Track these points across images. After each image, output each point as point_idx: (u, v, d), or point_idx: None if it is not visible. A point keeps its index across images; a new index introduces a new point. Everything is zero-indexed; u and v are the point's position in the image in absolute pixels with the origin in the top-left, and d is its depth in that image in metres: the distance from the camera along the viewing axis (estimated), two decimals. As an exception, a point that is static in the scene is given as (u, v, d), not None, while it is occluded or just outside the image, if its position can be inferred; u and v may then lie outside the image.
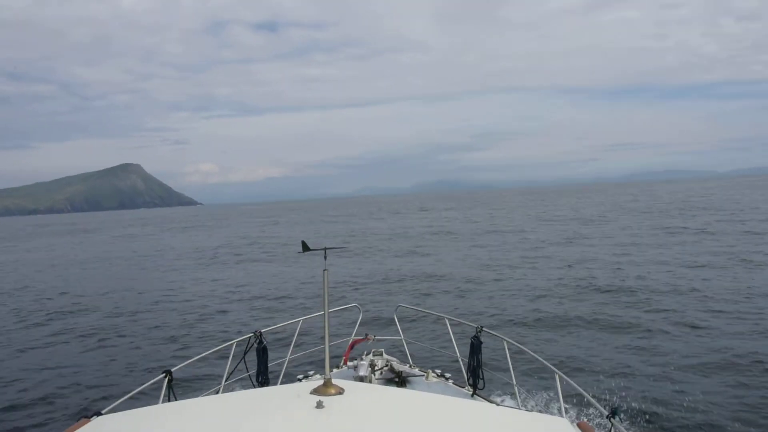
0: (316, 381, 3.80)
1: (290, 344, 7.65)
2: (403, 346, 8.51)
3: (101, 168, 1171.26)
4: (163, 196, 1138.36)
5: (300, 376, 7.32)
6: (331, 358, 3.87)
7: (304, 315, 8.19)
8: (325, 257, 4.01)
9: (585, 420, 4.43)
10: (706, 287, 20.28)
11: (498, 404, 5.14)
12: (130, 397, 4.99)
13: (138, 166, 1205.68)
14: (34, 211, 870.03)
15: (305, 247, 4.27)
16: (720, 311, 16.83)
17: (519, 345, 6.82)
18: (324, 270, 3.88)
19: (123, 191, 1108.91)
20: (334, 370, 7.36)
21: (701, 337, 14.37)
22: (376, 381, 7.21)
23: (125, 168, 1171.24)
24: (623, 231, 42.89)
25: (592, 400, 4.86)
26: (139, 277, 33.03)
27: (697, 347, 13.58)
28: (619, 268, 25.34)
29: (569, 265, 27.16)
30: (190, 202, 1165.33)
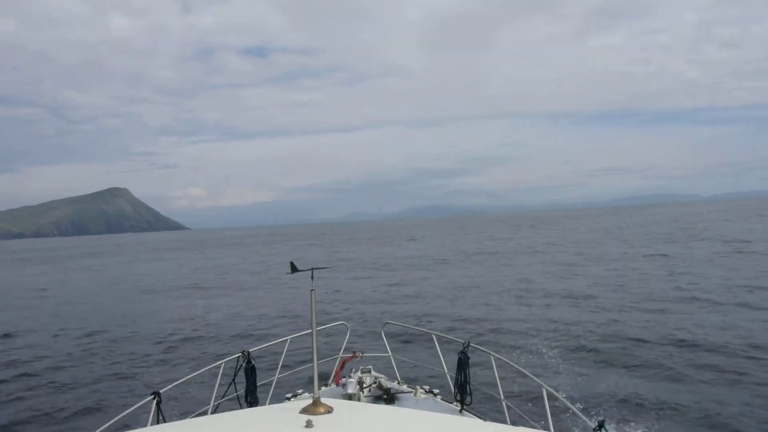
0: (305, 400, 3.81)
1: (278, 363, 7.61)
2: (391, 362, 8.52)
3: (88, 192, 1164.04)
4: (151, 221, 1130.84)
5: (289, 395, 7.29)
6: (319, 376, 3.90)
7: (292, 334, 8.16)
8: (312, 277, 4.01)
9: None
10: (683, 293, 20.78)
11: (485, 420, 5.17)
12: (118, 420, 4.97)
13: (126, 190, 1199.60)
14: (19, 235, 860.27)
15: (293, 268, 4.25)
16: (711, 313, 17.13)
17: (506, 360, 6.88)
18: (311, 290, 3.90)
19: (110, 215, 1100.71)
20: (323, 389, 7.34)
21: (687, 347, 14.72)
22: (365, 398, 7.21)
23: (113, 192, 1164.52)
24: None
25: (579, 413, 4.93)
26: (121, 301, 32.69)
27: (685, 356, 13.90)
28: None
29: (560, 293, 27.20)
30: (178, 227, 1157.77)
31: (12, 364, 18.03)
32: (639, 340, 15.99)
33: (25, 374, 16.56)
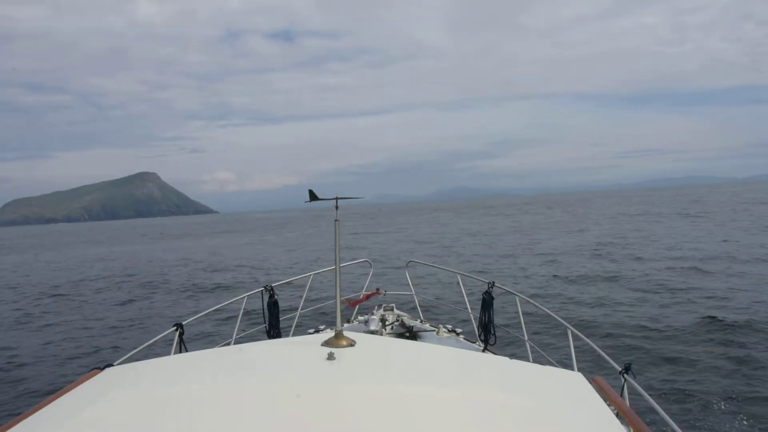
0: (328, 334, 3.72)
1: (301, 298, 7.56)
2: (414, 301, 8.40)
3: (118, 177, 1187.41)
4: (180, 205, 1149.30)
5: (311, 330, 7.23)
6: (342, 311, 3.78)
7: (316, 270, 8.05)
8: (336, 207, 3.80)
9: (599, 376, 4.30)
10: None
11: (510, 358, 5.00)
12: (141, 350, 4.93)
13: (155, 174, 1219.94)
14: (51, 220, 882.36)
15: (313, 196, 3.88)
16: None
17: (531, 300, 6.67)
18: (336, 220, 3.73)
19: (140, 200, 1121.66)
20: (345, 325, 7.27)
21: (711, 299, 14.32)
22: (387, 335, 7.10)
23: (142, 177, 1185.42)
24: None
25: (606, 356, 4.70)
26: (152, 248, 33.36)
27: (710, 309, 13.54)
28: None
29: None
30: (207, 210, 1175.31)
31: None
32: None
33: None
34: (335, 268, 3.88)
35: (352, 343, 3.55)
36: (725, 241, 29.37)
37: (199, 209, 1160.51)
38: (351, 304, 7.62)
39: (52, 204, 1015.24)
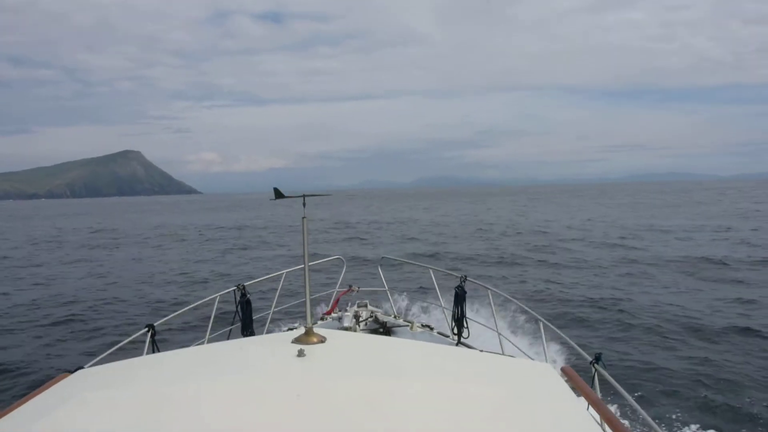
0: (299, 332, 3.72)
1: (274, 297, 7.53)
2: (388, 297, 8.43)
3: (102, 154, 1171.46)
4: (163, 184, 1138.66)
5: (284, 328, 7.23)
6: (314, 309, 3.78)
7: (287, 268, 8.06)
8: (304, 204, 3.79)
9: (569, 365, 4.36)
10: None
11: (482, 351, 5.06)
12: (112, 352, 4.87)
13: (139, 153, 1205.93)
14: (33, 196, 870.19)
15: (278, 194, 3.80)
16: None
17: (503, 293, 6.75)
18: (303, 218, 3.71)
19: (123, 178, 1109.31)
20: (319, 322, 7.28)
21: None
22: (361, 331, 7.14)
23: (126, 155, 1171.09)
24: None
25: (576, 347, 4.78)
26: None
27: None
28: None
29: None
30: (191, 191, 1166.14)
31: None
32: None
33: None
34: (304, 265, 3.88)
35: (322, 340, 3.57)
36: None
37: (183, 189, 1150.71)
38: (324, 313, 7.59)
39: (34, 180, 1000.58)
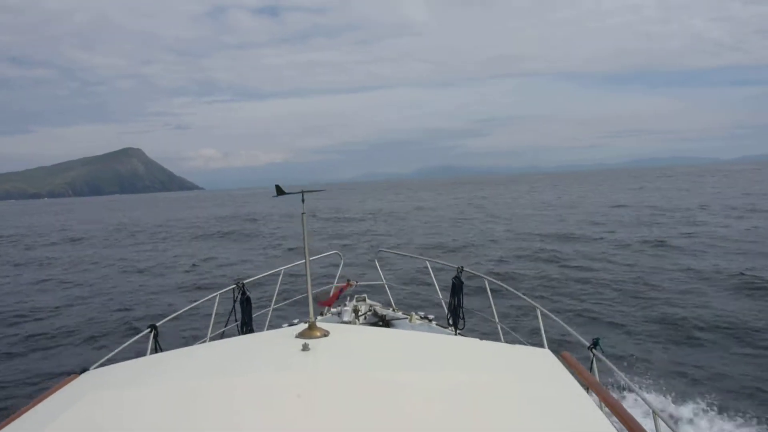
0: (302, 327, 3.77)
1: (273, 294, 7.59)
2: (386, 290, 8.49)
3: (102, 153, 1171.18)
4: (164, 181, 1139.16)
5: (285, 325, 7.28)
6: (314, 303, 3.84)
7: (286, 264, 8.07)
8: (303, 200, 3.84)
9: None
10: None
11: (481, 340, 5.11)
12: (116, 353, 4.90)
13: (139, 150, 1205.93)
14: (35, 195, 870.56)
15: (279, 191, 3.93)
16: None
17: (500, 283, 6.80)
18: (302, 213, 3.77)
19: (124, 176, 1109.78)
20: (318, 318, 7.32)
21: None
22: (361, 325, 7.18)
23: (126, 152, 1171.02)
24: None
25: (574, 333, 4.84)
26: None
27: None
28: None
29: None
30: (192, 187, 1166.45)
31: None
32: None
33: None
34: (305, 261, 3.91)
35: (326, 334, 3.61)
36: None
37: (185, 186, 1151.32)
38: (322, 304, 7.63)
39: (35, 179, 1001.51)
